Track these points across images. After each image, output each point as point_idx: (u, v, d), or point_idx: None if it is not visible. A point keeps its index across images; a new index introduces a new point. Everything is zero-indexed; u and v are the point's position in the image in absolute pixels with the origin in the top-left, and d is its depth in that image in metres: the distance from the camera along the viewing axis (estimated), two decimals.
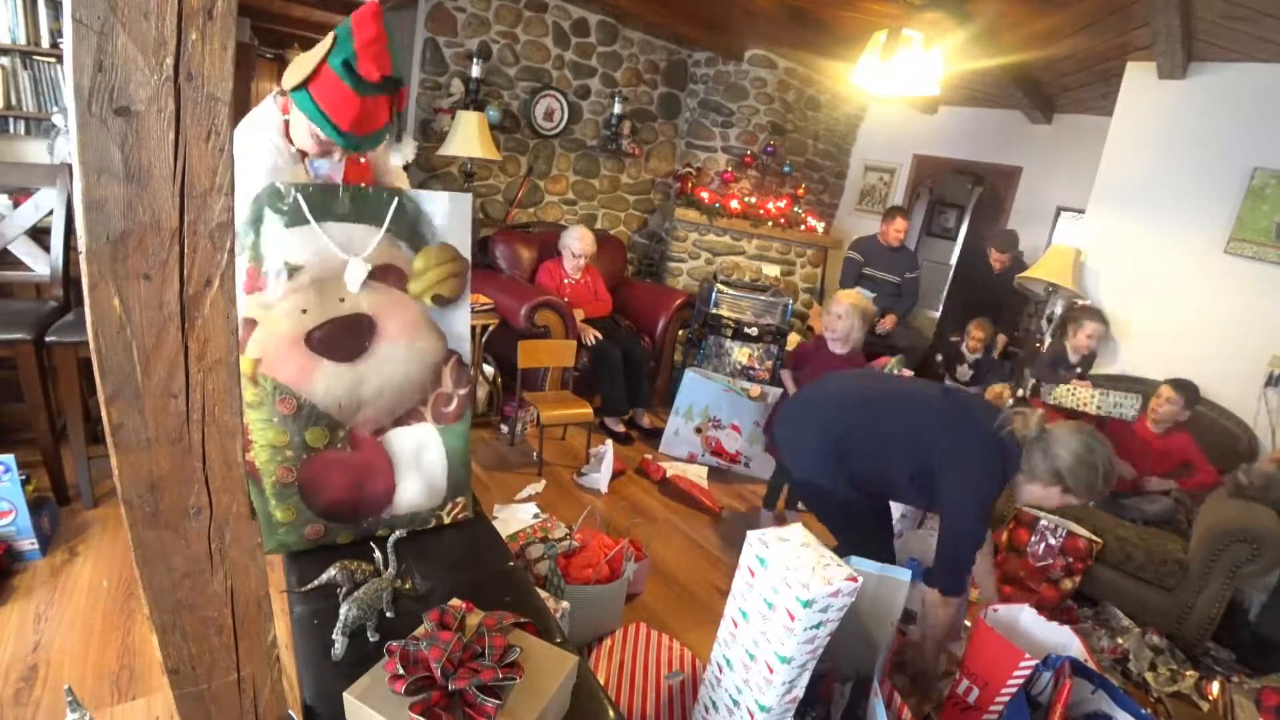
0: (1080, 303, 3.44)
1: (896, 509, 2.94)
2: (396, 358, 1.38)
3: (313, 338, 1.29)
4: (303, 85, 1.35)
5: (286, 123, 1.50)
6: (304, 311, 1.27)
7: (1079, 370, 3.22)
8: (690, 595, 2.36)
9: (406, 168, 1.95)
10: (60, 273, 2.32)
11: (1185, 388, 2.81)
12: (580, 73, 4.20)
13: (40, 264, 2.32)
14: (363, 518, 1.42)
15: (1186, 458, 2.80)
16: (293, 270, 1.25)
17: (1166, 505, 2.71)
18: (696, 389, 3.42)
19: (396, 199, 1.34)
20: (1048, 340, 3.60)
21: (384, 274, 1.35)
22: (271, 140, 1.51)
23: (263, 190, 1.22)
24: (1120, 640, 2.39)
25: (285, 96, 1.47)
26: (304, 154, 1.55)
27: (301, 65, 1.36)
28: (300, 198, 1.23)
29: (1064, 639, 1.91)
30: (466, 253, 1.44)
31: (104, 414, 0.66)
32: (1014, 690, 1.68)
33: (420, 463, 1.46)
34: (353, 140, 1.41)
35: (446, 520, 1.53)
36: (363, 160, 1.71)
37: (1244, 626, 2.57)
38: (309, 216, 1.24)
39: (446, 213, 1.40)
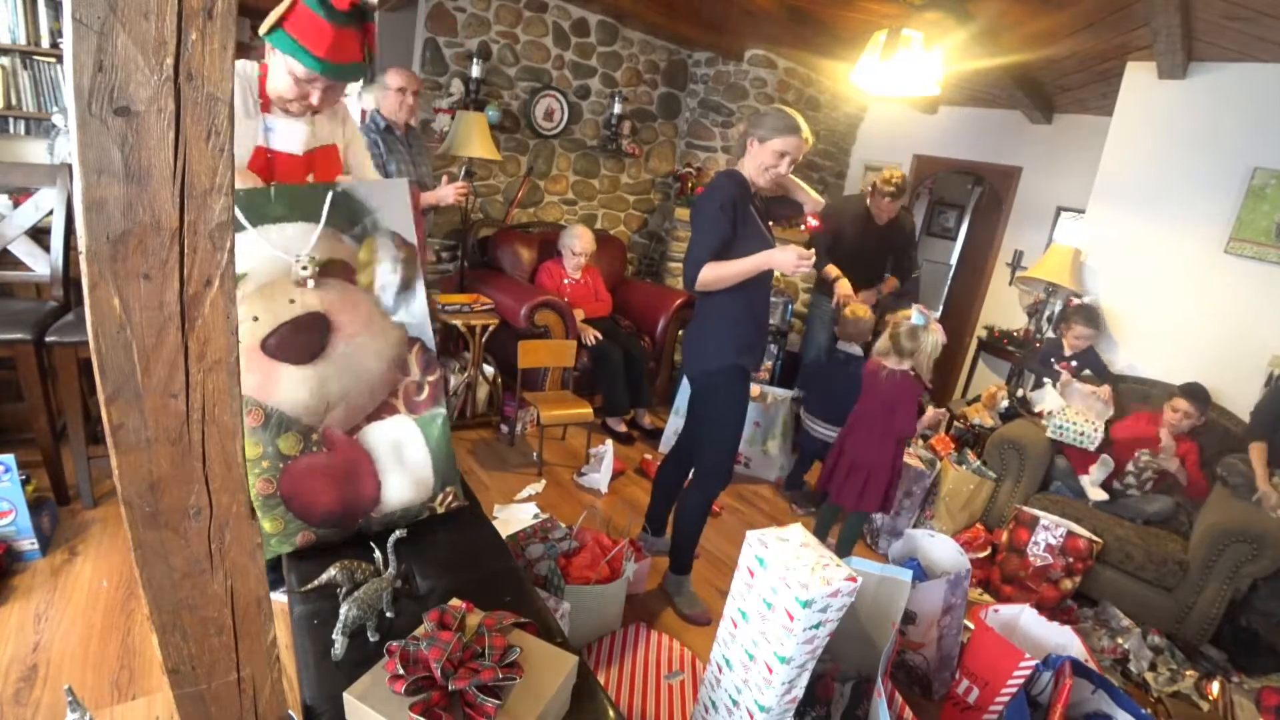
0: (1076, 301, 3.43)
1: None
2: (357, 352, 1.39)
3: (268, 344, 1.28)
4: (278, 25, 1.44)
5: (261, 78, 1.57)
6: (255, 319, 1.27)
7: (1074, 363, 3.23)
8: None
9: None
10: (60, 273, 2.32)
11: (1196, 394, 2.75)
12: (580, 73, 4.20)
13: (40, 264, 2.32)
14: (354, 520, 1.41)
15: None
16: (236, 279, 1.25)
17: (1166, 505, 2.71)
18: None
19: (330, 193, 1.34)
20: (1048, 336, 3.61)
21: (332, 269, 1.36)
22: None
23: None
24: (1120, 640, 2.39)
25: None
26: (266, 111, 1.60)
27: (275, 11, 1.44)
28: None
29: (1064, 639, 1.91)
30: (411, 238, 1.45)
31: (104, 414, 0.66)
32: (1014, 690, 1.68)
33: (403, 458, 1.46)
34: (330, 68, 1.47)
35: (440, 510, 1.52)
36: (338, 144, 1.76)
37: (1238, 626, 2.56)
38: (244, 222, 1.24)
39: (384, 202, 1.42)
